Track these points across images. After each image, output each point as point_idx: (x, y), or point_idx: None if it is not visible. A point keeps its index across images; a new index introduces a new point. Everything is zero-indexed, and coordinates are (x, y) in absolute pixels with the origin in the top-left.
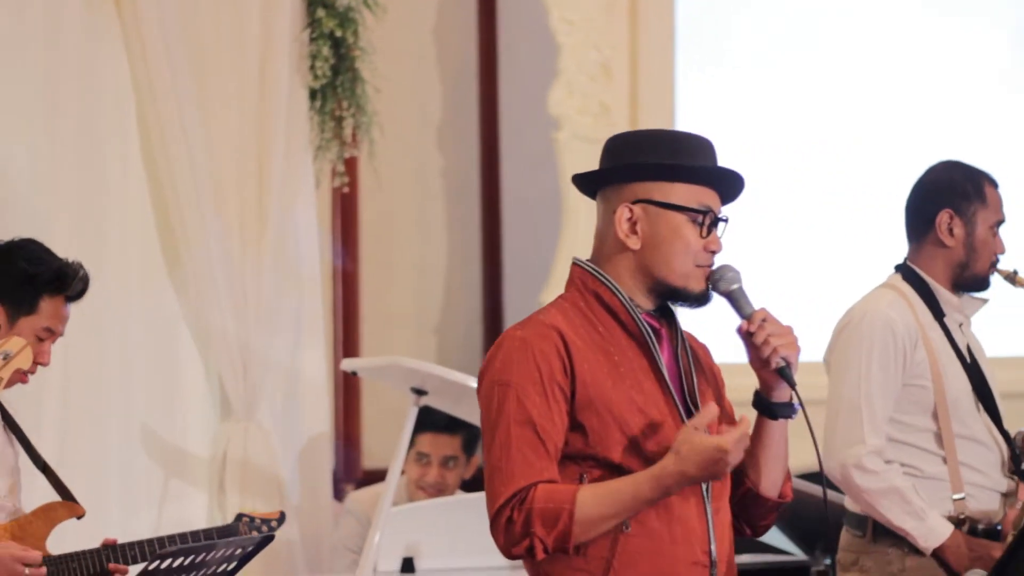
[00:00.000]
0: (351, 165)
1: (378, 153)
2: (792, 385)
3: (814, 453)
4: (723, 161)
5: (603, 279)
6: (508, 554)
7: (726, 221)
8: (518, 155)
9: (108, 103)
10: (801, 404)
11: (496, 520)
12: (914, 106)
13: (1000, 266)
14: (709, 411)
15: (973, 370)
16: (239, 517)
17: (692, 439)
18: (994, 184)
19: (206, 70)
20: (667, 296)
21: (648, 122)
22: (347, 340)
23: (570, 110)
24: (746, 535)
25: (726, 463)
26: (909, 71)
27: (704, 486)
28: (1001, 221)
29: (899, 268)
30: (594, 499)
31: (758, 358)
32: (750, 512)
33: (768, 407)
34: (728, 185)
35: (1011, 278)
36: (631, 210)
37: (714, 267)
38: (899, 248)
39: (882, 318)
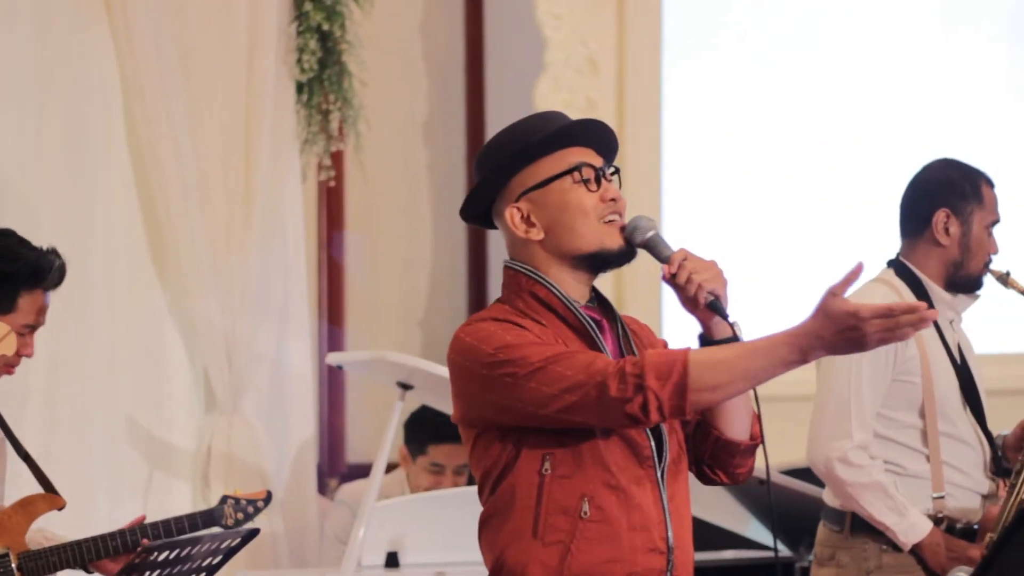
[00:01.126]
0: (337, 159)
1: (364, 147)
2: (724, 316)
3: (796, 449)
4: (710, 155)
5: (536, 276)
6: (626, 420)
7: (616, 172)
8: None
9: (95, 96)
10: (741, 337)
11: (592, 374)
12: (906, 100)
13: (993, 266)
14: (852, 273)
15: (962, 369)
16: (224, 499)
17: (828, 304)
18: (990, 184)
19: (193, 63)
20: (592, 266)
21: (635, 116)
22: (332, 334)
23: (556, 104)
24: (726, 483)
25: (863, 333)
26: (902, 64)
27: (658, 471)
28: (996, 221)
29: (892, 263)
30: (710, 351)
31: (687, 299)
32: (724, 461)
33: (712, 346)
34: (595, 137)
35: (1003, 279)
36: (519, 208)
37: (625, 222)
38: (891, 243)
39: None
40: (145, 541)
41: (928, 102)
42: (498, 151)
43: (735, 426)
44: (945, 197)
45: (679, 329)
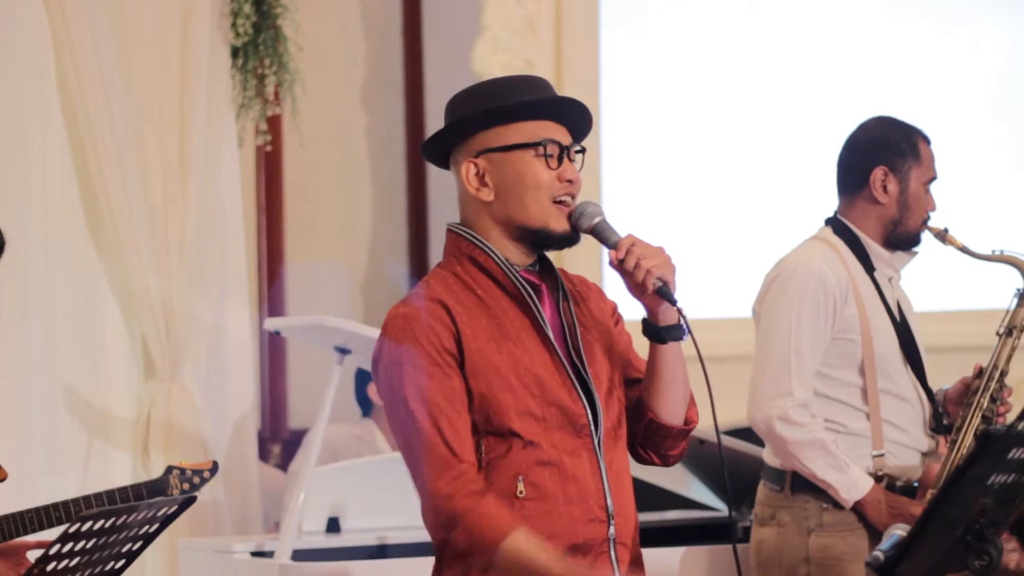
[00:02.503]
0: (274, 123)
1: (301, 111)
2: (673, 302)
3: (737, 409)
4: (648, 116)
5: (476, 241)
6: (429, 530)
7: (581, 151)
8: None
9: (28, 63)
10: (687, 324)
11: (430, 510)
12: (840, 59)
13: (931, 223)
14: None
15: (901, 326)
16: (169, 470)
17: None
18: (927, 141)
19: (126, 28)
20: (533, 242)
21: (573, 78)
22: (272, 299)
23: (495, 66)
24: (657, 464)
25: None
26: (836, 25)
27: (595, 440)
28: (934, 178)
29: (829, 221)
30: (521, 550)
31: (635, 285)
32: (656, 443)
33: (656, 332)
34: (572, 116)
35: (942, 236)
36: (475, 164)
37: (573, 207)
38: (826, 201)
39: (814, 271)
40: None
41: (863, 61)
42: (472, 101)
43: (671, 410)
44: (882, 154)
45: (620, 303)
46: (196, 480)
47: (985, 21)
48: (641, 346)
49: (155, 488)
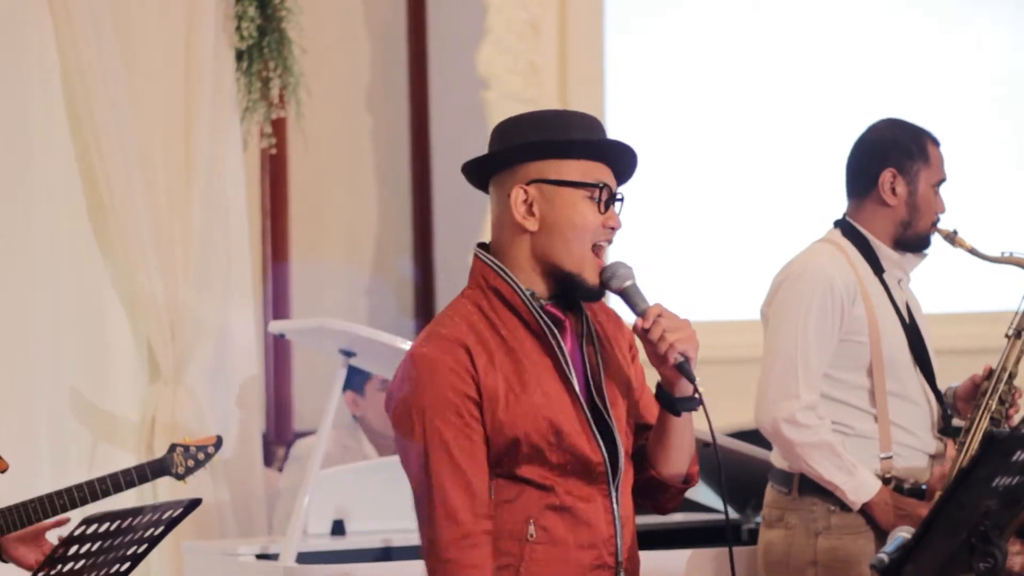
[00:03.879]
0: (279, 126)
1: (306, 114)
2: (692, 380)
3: (744, 412)
4: (653, 118)
5: (502, 273)
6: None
7: (622, 200)
8: (448, 115)
9: (32, 63)
10: (701, 399)
11: (431, 552)
12: (848, 61)
13: (940, 225)
14: None
15: (911, 328)
16: (173, 447)
17: None
18: (936, 143)
19: (131, 31)
20: (562, 284)
21: (577, 80)
22: (277, 302)
23: (499, 69)
24: (650, 512)
25: None
26: (842, 27)
27: (611, 486)
28: (943, 180)
29: (838, 224)
30: None
31: (657, 355)
32: (655, 496)
33: (670, 402)
34: (621, 162)
35: (951, 238)
36: (525, 191)
37: (605, 265)
38: (834, 203)
39: (822, 273)
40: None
41: (867, 61)
42: (533, 128)
43: (673, 468)
44: (891, 156)
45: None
46: (200, 456)
47: (986, 20)
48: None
49: (159, 467)
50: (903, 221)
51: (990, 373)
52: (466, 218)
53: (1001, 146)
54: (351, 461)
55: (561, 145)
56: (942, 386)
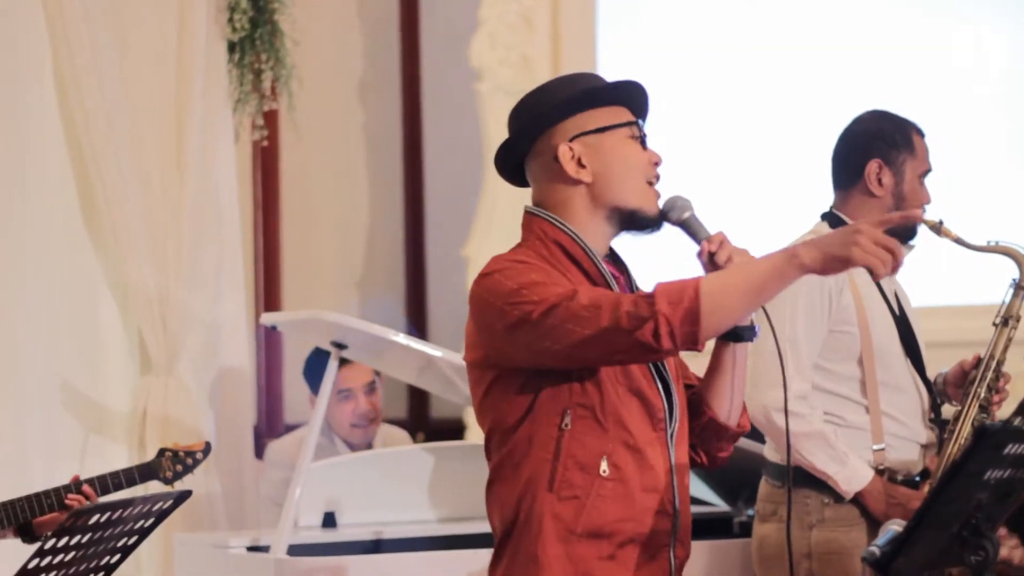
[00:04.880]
0: (271, 118)
1: (298, 106)
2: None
3: None
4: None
5: (564, 227)
6: (637, 349)
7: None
8: (440, 107)
9: (24, 55)
10: (770, 320)
11: (614, 322)
12: (838, 54)
13: (926, 216)
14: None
15: (900, 318)
16: (161, 452)
17: None
18: (921, 133)
19: (124, 22)
20: (624, 223)
21: (570, 72)
22: (268, 294)
23: (492, 62)
24: (704, 465)
25: (857, 236)
26: (835, 20)
27: (668, 433)
28: (928, 171)
29: (825, 216)
30: (716, 275)
31: (714, 268)
32: (709, 443)
33: (731, 330)
34: (638, 101)
35: (937, 228)
36: (570, 147)
37: (663, 200)
38: (822, 196)
39: None
40: (74, 499)
41: (859, 56)
42: (551, 95)
43: (728, 410)
44: (877, 147)
45: None
46: (189, 461)
47: (986, 17)
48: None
49: (148, 471)
50: (889, 212)
51: (979, 362)
52: (458, 210)
53: (996, 140)
54: (323, 459)
55: (585, 96)
56: (931, 376)
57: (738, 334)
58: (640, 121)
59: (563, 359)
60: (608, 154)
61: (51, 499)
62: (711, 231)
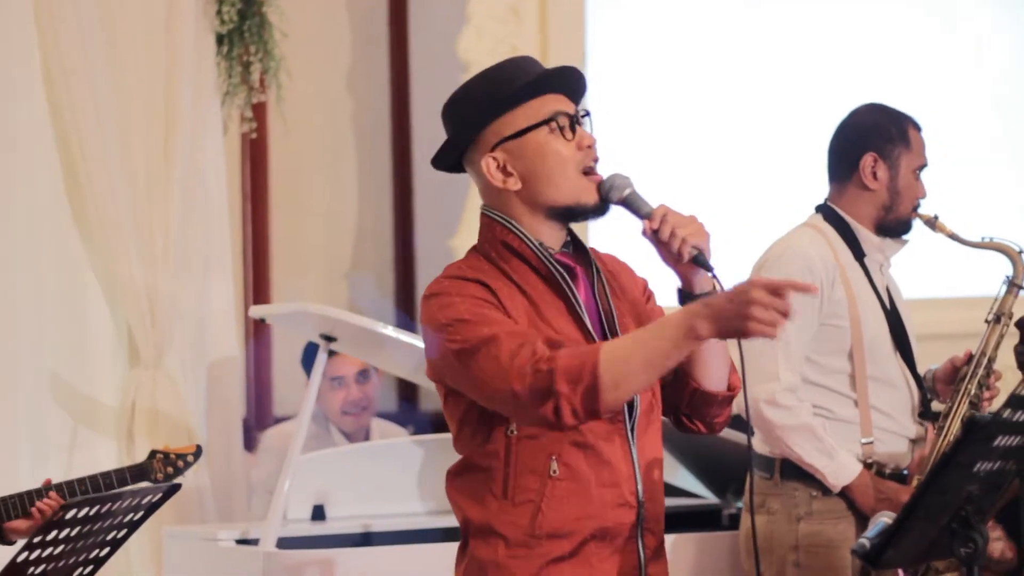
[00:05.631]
0: (259, 111)
1: (287, 98)
2: (709, 269)
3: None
4: (635, 104)
5: (509, 225)
6: (539, 423)
7: (587, 115)
8: (429, 99)
9: (11, 47)
10: (721, 285)
11: (518, 393)
12: (832, 43)
13: (921, 210)
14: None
15: (891, 312)
16: (152, 454)
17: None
18: (917, 127)
19: (112, 14)
20: (566, 218)
21: (559, 65)
22: (257, 286)
23: (480, 54)
24: (703, 433)
25: (748, 305)
26: (826, 8)
27: (628, 425)
28: (924, 165)
29: (820, 208)
30: (615, 349)
31: (670, 254)
32: (702, 411)
33: (693, 301)
34: (567, 83)
35: (931, 223)
36: (495, 158)
37: (602, 178)
38: (819, 187)
39: (802, 255)
40: (43, 505)
41: (854, 45)
42: (470, 101)
43: (713, 377)
44: (872, 141)
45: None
46: (180, 464)
47: (986, 15)
48: None
49: (139, 472)
50: (884, 205)
51: (970, 358)
52: (447, 202)
53: (992, 139)
54: (319, 449)
55: (498, 100)
56: (921, 370)
57: (695, 298)
58: (560, 112)
59: (483, 402)
60: (532, 156)
61: (16, 506)
62: (653, 206)
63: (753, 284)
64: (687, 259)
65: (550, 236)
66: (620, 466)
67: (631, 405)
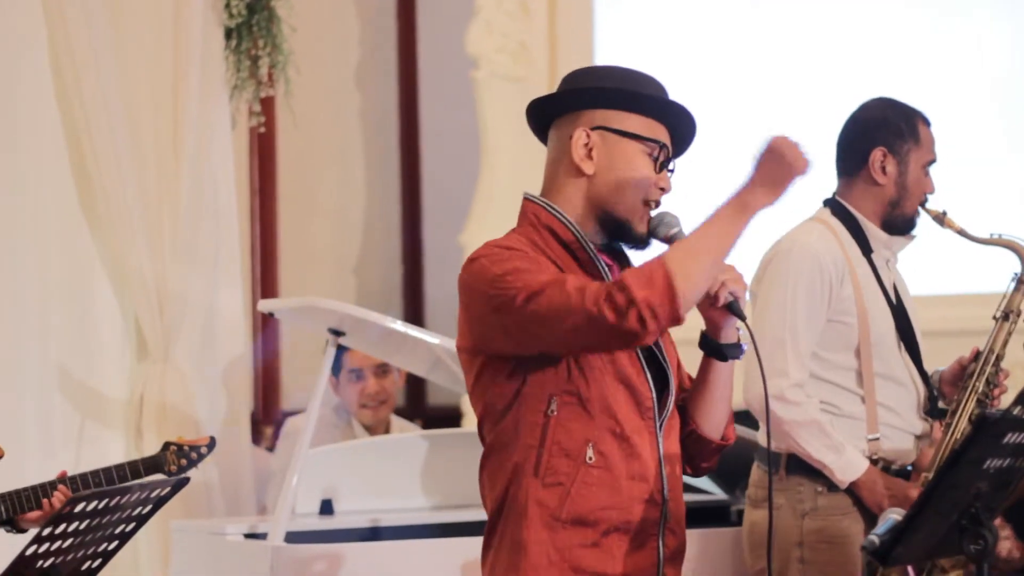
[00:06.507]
0: (268, 105)
1: (295, 92)
2: (742, 318)
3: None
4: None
5: (556, 213)
6: (626, 337)
7: (673, 171)
8: (437, 94)
9: (20, 40)
10: (752, 339)
11: (594, 317)
12: (841, 38)
13: (929, 206)
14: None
15: (898, 309)
16: (166, 446)
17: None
18: (927, 123)
19: (121, 8)
20: (611, 230)
21: (567, 60)
22: (265, 280)
23: (488, 49)
24: (687, 474)
25: (776, 148)
26: (833, 5)
27: (657, 423)
28: (933, 161)
29: (828, 202)
30: (679, 246)
31: (705, 297)
32: (691, 453)
33: (716, 349)
34: (683, 129)
35: (939, 219)
36: (588, 135)
37: (653, 214)
38: (824, 183)
39: (810, 251)
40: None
41: (864, 42)
42: (607, 77)
43: (712, 423)
44: (882, 136)
45: None
46: (193, 456)
47: (987, 13)
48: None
49: (152, 464)
50: (892, 201)
51: (977, 355)
52: (455, 197)
53: (999, 133)
54: (339, 441)
55: (630, 96)
56: (928, 368)
57: (723, 353)
58: (665, 144)
59: (547, 346)
60: (618, 157)
61: (31, 499)
62: None
63: (768, 146)
64: (722, 303)
65: (592, 235)
66: (649, 462)
67: (662, 403)
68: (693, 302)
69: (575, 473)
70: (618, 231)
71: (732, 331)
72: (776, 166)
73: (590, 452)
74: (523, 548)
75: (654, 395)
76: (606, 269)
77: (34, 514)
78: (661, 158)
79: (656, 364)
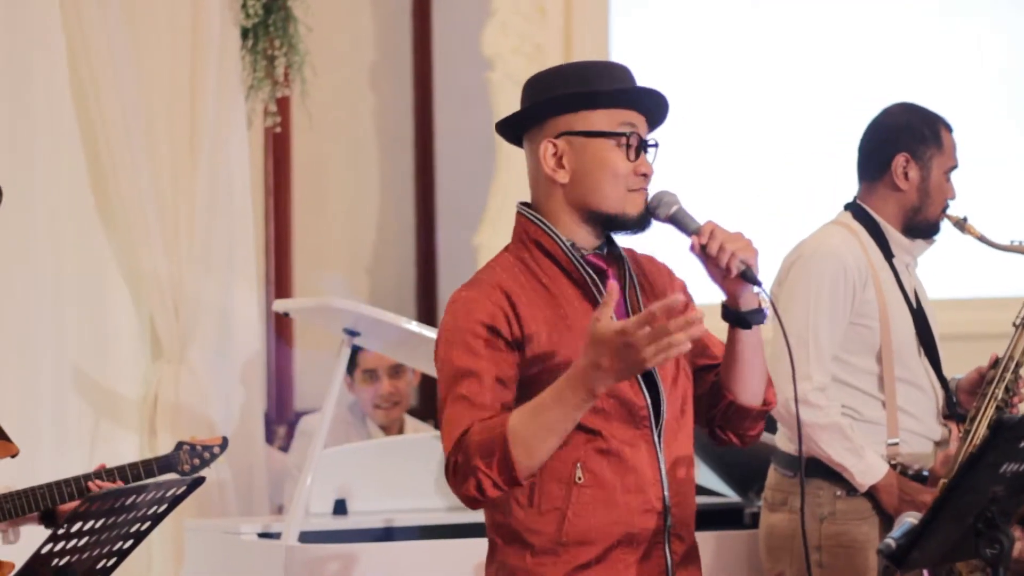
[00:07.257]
0: (283, 105)
1: (311, 93)
2: (757, 283)
3: None
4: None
5: (542, 225)
6: (467, 502)
7: (655, 146)
8: (452, 95)
9: (37, 38)
10: (773, 304)
11: (447, 472)
12: (857, 42)
13: (950, 212)
14: (610, 296)
15: (918, 313)
16: (179, 446)
17: (594, 331)
18: (949, 129)
19: (137, 8)
20: (606, 225)
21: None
22: (280, 280)
23: (504, 50)
24: (736, 445)
25: (637, 350)
26: (849, 8)
27: (655, 431)
28: (955, 167)
29: (849, 207)
30: (522, 417)
31: (717, 270)
32: (735, 424)
33: (738, 317)
34: (652, 106)
35: (960, 225)
36: (555, 144)
37: (650, 195)
38: (844, 186)
39: (834, 255)
40: (93, 486)
41: (876, 45)
42: (558, 81)
43: (749, 391)
44: (905, 141)
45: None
46: (206, 456)
47: (986, 16)
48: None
49: (166, 464)
50: (913, 206)
51: (996, 362)
52: (469, 198)
53: (998, 141)
54: (354, 440)
55: (586, 96)
56: (947, 372)
57: (746, 320)
58: (633, 131)
59: None
60: (590, 160)
61: (71, 487)
62: (700, 222)
63: (628, 331)
64: (735, 273)
65: (584, 238)
66: (646, 472)
67: (657, 411)
68: (534, 471)
69: (568, 496)
70: (611, 224)
71: (751, 297)
72: (634, 360)
73: (579, 473)
74: (527, 572)
75: (648, 403)
76: (595, 280)
77: (70, 505)
78: (633, 144)
79: (647, 372)
